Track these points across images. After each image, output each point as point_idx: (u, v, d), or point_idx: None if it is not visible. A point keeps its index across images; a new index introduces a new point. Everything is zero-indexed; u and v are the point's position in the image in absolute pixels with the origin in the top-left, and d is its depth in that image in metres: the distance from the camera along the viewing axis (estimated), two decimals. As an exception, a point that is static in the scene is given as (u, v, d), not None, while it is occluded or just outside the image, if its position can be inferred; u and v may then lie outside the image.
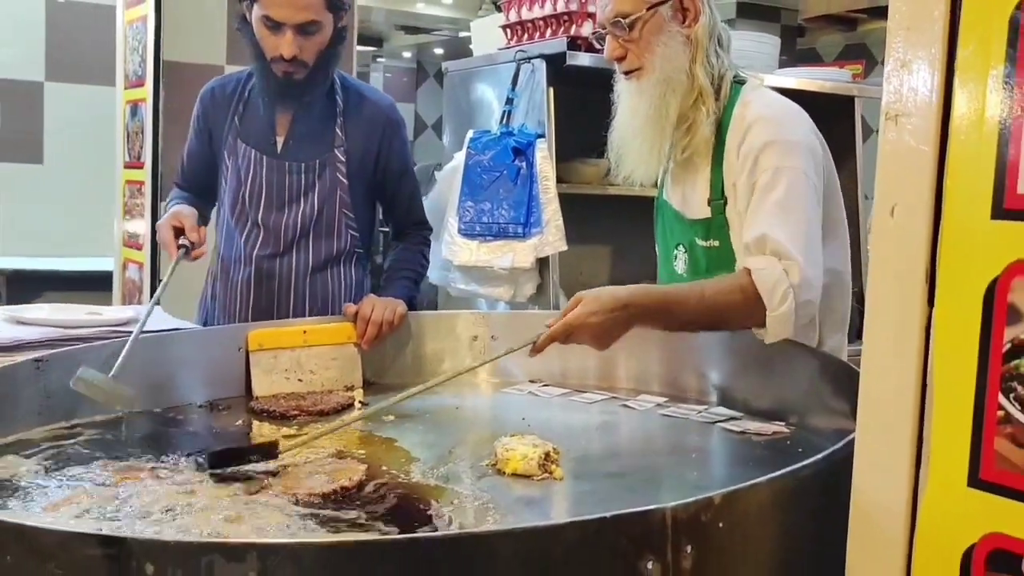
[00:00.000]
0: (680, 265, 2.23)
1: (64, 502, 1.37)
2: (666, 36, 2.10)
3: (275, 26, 2.31)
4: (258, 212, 2.46)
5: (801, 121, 2.09)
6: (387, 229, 2.79)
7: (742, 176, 2.02)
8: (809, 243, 1.93)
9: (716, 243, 2.11)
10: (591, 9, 3.41)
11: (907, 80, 1.00)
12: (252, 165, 2.46)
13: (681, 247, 2.23)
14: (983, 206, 0.94)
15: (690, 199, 2.19)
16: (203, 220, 2.45)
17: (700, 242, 2.15)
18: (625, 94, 2.18)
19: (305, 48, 2.33)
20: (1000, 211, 0.93)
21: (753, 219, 1.98)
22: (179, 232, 2.22)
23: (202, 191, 2.62)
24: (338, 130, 2.48)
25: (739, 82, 2.15)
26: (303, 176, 2.45)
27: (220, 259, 2.56)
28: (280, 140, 2.47)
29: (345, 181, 2.47)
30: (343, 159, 2.47)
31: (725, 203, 2.08)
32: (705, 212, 2.13)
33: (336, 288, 2.52)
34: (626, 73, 2.15)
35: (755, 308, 1.89)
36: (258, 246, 2.47)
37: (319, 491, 1.41)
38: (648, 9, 2.08)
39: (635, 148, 2.18)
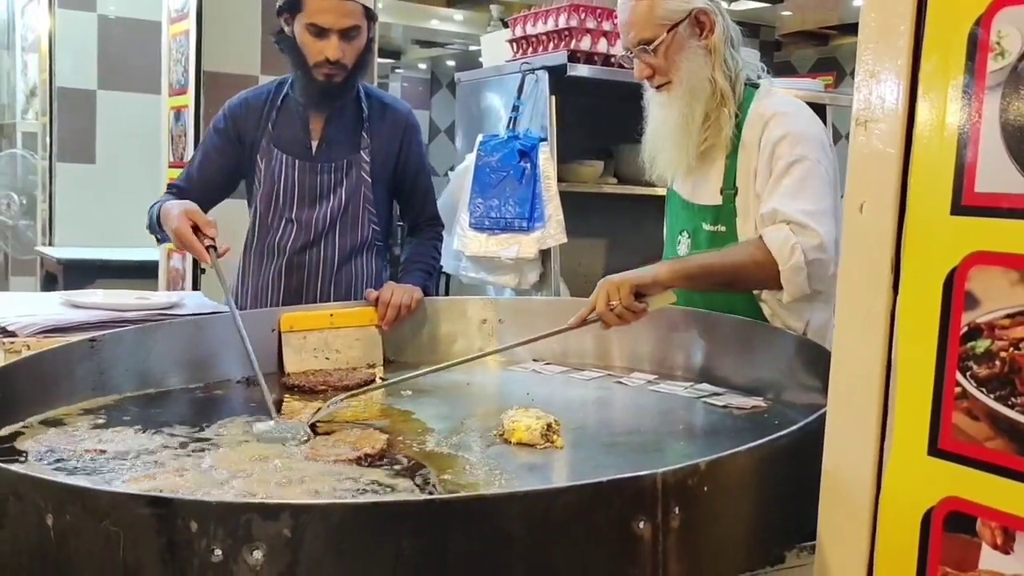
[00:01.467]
0: (683, 249, 2.23)
1: (134, 474, 1.37)
2: (687, 52, 2.09)
3: (321, 32, 2.31)
4: (292, 209, 2.46)
5: (812, 117, 2.13)
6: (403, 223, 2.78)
7: (761, 165, 2.05)
8: (818, 212, 1.94)
9: (723, 228, 2.13)
10: (589, 25, 3.40)
11: (875, 89, 1.00)
12: (285, 168, 2.45)
13: (685, 233, 2.23)
14: (943, 203, 0.94)
15: (701, 188, 2.19)
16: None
17: (707, 227, 2.16)
18: (655, 105, 2.19)
19: (347, 52, 2.33)
20: (959, 207, 0.93)
21: (767, 199, 2.01)
22: (195, 229, 2.07)
23: (208, 192, 2.49)
24: (364, 134, 2.48)
25: (753, 85, 2.16)
26: (332, 175, 2.46)
27: (252, 252, 2.54)
28: (315, 144, 2.47)
29: (369, 179, 2.48)
30: (367, 159, 2.48)
31: (736, 193, 2.09)
32: (716, 200, 2.14)
33: (359, 276, 2.52)
34: (657, 87, 2.15)
35: (766, 264, 1.92)
36: (291, 239, 2.47)
37: (345, 458, 1.41)
38: (668, 31, 2.07)
39: (666, 151, 2.19)
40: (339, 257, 2.48)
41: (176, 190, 2.53)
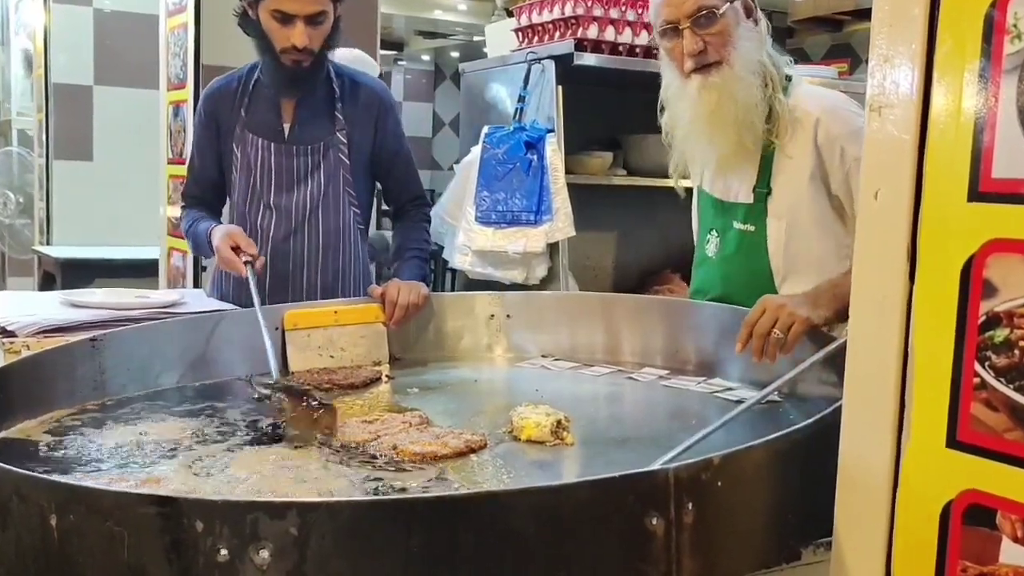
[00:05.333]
0: (711, 249, 2.22)
1: (139, 468, 1.38)
2: (742, 29, 2.07)
3: (286, 18, 2.31)
4: (270, 195, 2.48)
5: (858, 107, 2.11)
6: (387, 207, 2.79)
7: (832, 167, 2.03)
8: None
9: (752, 228, 2.11)
10: (596, 13, 3.40)
11: (890, 74, 1.00)
12: (261, 152, 2.47)
13: (713, 231, 2.22)
14: (960, 189, 0.94)
15: (733, 185, 2.17)
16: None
17: (737, 225, 2.14)
18: (699, 90, 2.06)
19: (314, 37, 2.34)
20: (976, 194, 0.93)
21: None
22: (236, 250, 2.24)
23: (215, 194, 2.62)
24: (338, 114, 2.49)
25: (785, 78, 2.14)
26: (309, 158, 2.47)
27: None
28: (287, 127, 2.48)
29: (347, 161, 2.50)
30: (344, 141, 2.49)
31: (768, 193, 2.08)
32: (748, 198, 2.13)
33: (346, 263, 2.54)
34: (702, 68, 2.04)
35: None
36: (272, 227, 2.48)
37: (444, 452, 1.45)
38: (728, 3, 2.03)
39: (711, 139, 2.11)
40: (323, 243, 2.50)
41: (191, 199, 2.63)
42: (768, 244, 2.09)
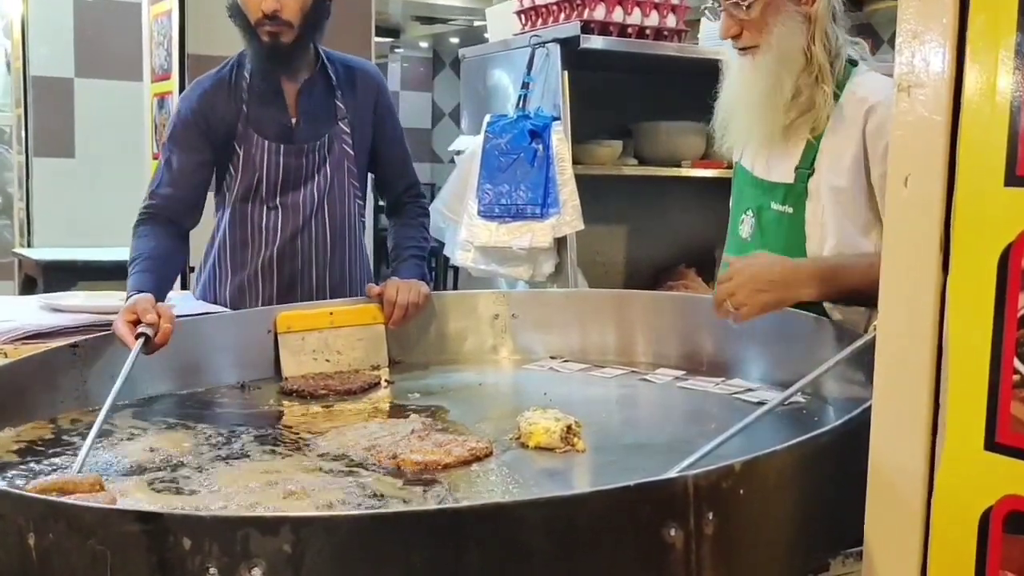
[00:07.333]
0: (745, 230, 2.21)
1: (123, 482, 1.37)
2: (784, 16, 2.06)
3: None
4: (276, 196, 2.46)
5: None
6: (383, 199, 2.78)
7: (875, 158, 2.02)
8: None
9: (790, 210, 2.11)
10: (602, -7, 3.39)
11: (919, 51, 0.99)
12: (268, 154, 2.44)
13: (749, 212, 2.21)
14: (996, 174, 0.93)
15: (777, 164, 2.17)
16: (176, 268, 2.38)
17: (775, 206, 2.14)
18: (740, 69, 2.14)
19: (286, 5, 2.33)
20: (1013, 178, 0.92)
21: None
22: (135, 323, 1.86)
23: (185, 203, 2.42)
24: (338, 103, 2.49)
25: (851, 63, 2.13)
26: (316, 154, 2.47)
27: (230, 244, 2.52)
28: (294, 121, 2.47)
29: (352, 152, 2.51)
30: (347, 130, 2.50)
31: (811, 174, 2.08)
32: (789, 178, 2.12)
33: (352, 258, 2.55)
34: (741, 49, 2.11)
35: None
36: (279, 226, 2.47)
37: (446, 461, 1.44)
38: None
39: (744, 120, 2.17)
40: (330, 239, 2.50)
41: (154, 207, 2.39)
42: (806, 228, 2.08)
